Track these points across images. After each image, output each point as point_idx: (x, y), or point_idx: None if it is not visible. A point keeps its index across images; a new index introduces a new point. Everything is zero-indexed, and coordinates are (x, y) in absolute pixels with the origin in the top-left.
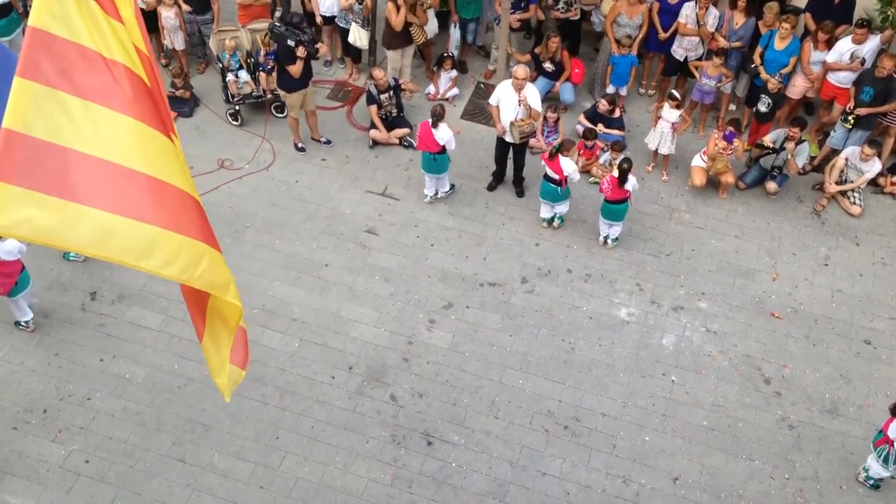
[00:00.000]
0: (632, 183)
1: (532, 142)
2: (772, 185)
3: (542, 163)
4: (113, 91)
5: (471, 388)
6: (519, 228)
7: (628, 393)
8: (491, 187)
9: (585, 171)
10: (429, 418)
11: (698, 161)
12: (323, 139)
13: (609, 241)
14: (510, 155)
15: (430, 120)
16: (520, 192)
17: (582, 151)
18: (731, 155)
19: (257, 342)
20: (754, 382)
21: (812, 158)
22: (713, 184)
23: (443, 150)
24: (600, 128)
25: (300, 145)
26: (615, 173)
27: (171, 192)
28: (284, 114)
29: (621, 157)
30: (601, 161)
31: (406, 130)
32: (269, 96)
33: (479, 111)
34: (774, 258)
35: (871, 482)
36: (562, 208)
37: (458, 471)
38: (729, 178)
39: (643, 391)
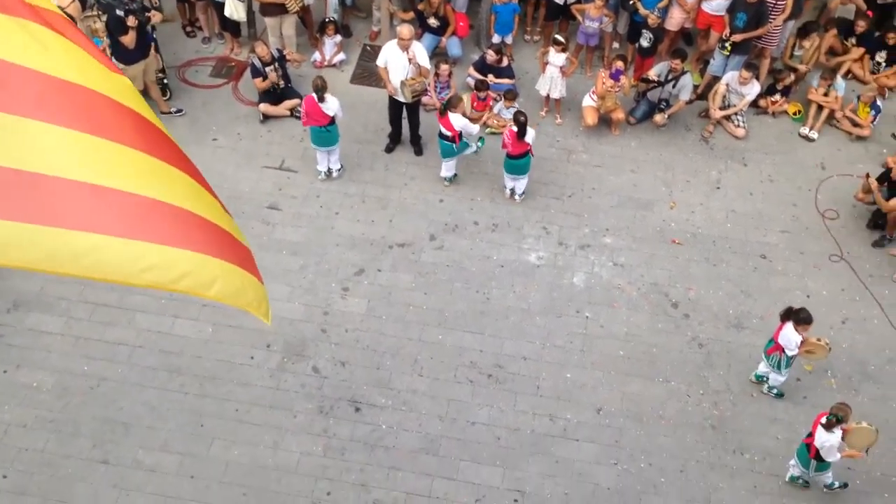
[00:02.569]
0: (531, 135)
1: (425, 99)
2: (659, 117)
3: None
4: (57, 106)
5: (392, 351)
6: (422, 187)
7: (546, 334)
8: (388, 149)
9: (482, 124)
10: (354, 385)
11: (588, 101)
12: (173, 110)
13: (516, 196)
14: (404, 115)
15: (315, 95)
16: (418, 151)
17: (475, 103)
18: (619, 92)
19: (169, 333)
20: (663, 308)
21: (695, 87)
22: (605, 122)
23: (332, 121)
24: (491, 78)
25: None
26: (513, 127)
27: (138, 201)
28: (167, 96)
29: (514, 106)
30: (495, 111)
31: (296, 101)
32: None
33: (368, 74)
34: (670, 187)
35: (775, 392)
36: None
37: (389, 432)
38: (619, 115)
39: (560, 331)
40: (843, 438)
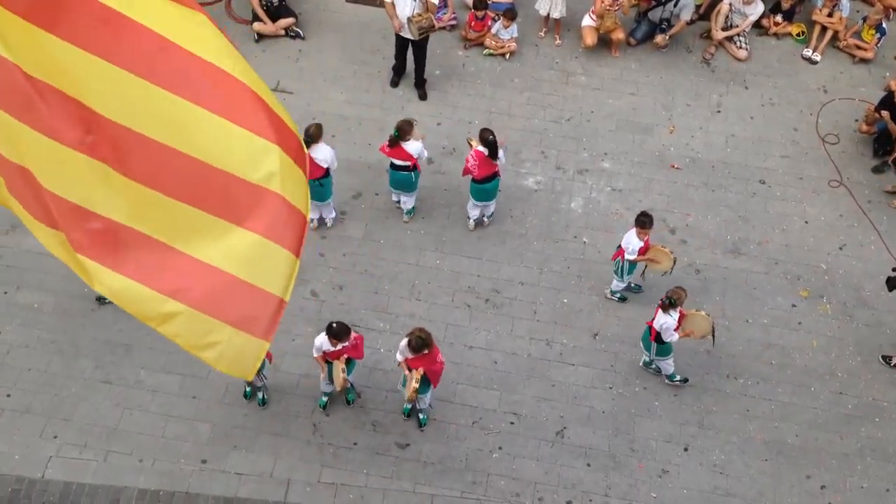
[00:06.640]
0: (502, 155)
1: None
2: (660, 38)
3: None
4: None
5: (390, 275)
6: (419, 109)
7: (543, 259)
8: (394, 83)
9: (479, 44)
10: (352, 309)
11: (588, 21)
12: None
13: (486, 219)
14: (409, 51)
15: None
16: (422, 95)
17: (474, 23)
18: (618, 11)
19: None
20: (660, 234)
21: (697, 7)
22: (605, 43)
23: (326, 172)
24: None
25: None
26: (480, 148)
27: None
28: None
29: (513, 26)
30: (493, 31)
31: (291, 20)
32: None
33: None
34: (670, 111)
35: (618, 296)
36: (409, 202)
37: (387, 356)
38: (619, 35)
39: (557, 256)
40: (680, 323)
